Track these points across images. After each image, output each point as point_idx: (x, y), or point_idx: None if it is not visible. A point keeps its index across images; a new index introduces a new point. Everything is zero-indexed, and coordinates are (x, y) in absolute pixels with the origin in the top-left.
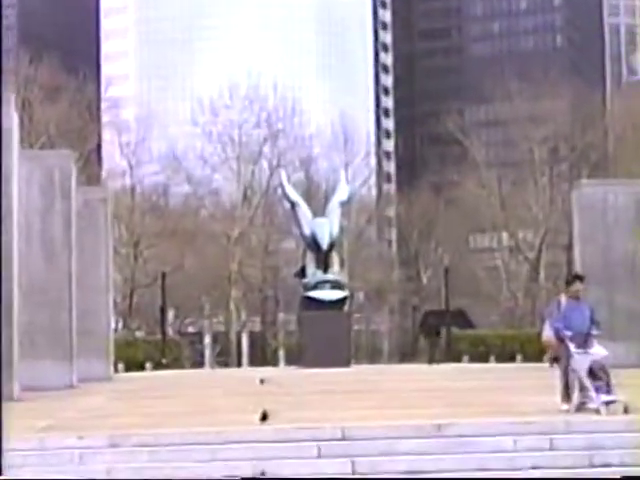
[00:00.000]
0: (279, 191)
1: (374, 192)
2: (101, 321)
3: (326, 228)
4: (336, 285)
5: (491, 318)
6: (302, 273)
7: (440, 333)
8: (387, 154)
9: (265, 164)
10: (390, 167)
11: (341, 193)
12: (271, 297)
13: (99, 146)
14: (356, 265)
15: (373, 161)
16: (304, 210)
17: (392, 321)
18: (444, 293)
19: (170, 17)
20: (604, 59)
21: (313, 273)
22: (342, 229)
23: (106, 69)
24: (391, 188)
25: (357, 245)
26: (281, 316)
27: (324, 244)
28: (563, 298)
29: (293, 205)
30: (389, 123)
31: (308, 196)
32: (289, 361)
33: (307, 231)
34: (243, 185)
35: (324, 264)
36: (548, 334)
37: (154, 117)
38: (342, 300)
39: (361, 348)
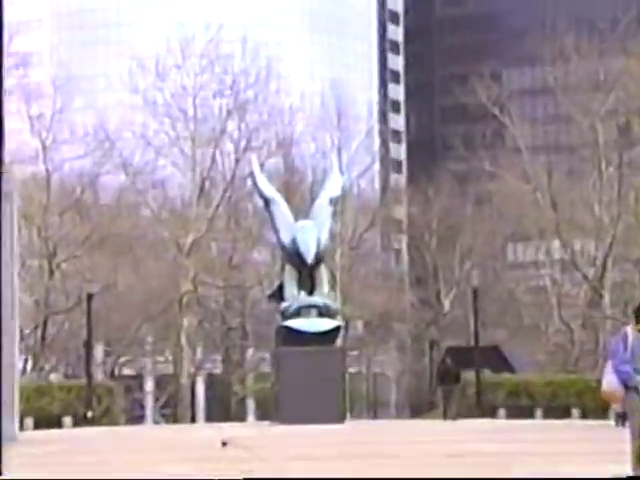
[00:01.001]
0: (248, 183)
1: (377, 185)
2: (1, 359)
3: (312, 234)
4: (325, 311)
5: (536, 357)
6: (279, 295)
7: (459, 378)
8: (396, 134)
9: (230, 147)
10: (399, 152)
11: (332, 187)
12: (237, 328)
13: (0, 119)
14: (353, 284)
15: (376, 143)
16: (282, 210)
17: (402, 361)
18: (472, 323)
19: None
20: None
21: (294, 295)
22: (333, 236)
23: (10, 13)
24: (400, 180)
25: (354, 257)
26: (250, 353)
27: (309, 256)
28: (630, 331)
29: (267, 203)
30: (398, 91)
31: (288, 191)
32: (261, 415)
33: (286, 238)
34: (199, 175)
35: (309, 283)
36: (611, 380)
37: (76, 81)
38: (333, 332)
39: (359, 398)
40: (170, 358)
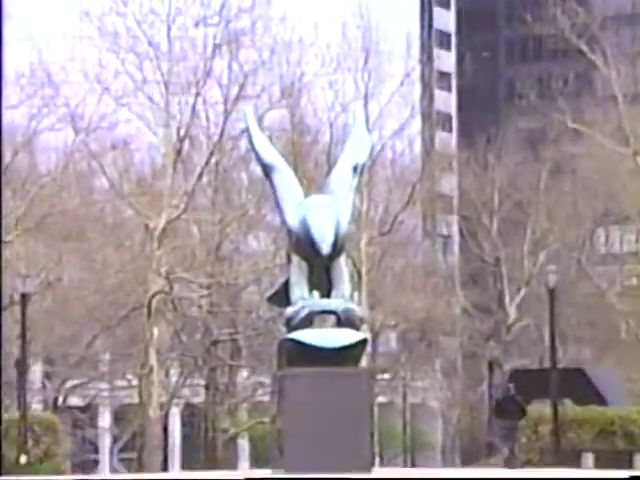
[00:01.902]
0: (242, 145)
1: (418, 148)
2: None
3: (328, 215)
4: (346, 320)
5: (637, 384)
6: (283, 297)
7: (525, 411)
8: (444, 78)
9: (217, 94)
10: (448, 102)
11: (357, 150)
12: (226, 341)
13: None
14: (384, 283)
15: (417, 90)
16: (288, 181)
17: (450, 388)
18: (547, 337)
19: None
20: None
21: (304, 297)
22: (358, 217)
23: None
24: (450, 141)
25: (386, 247)
26: (243, 376)
27: (325, 245)
28: None
29: (268, 171)
30: (447, 19)
31: (297, 155)
32: (257, 461)
33: (294, 220)
34: (175, 133)
35: (325, 281)
36: None
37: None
38: (357, 347)
39: (393, 438)
40: (134, 382)
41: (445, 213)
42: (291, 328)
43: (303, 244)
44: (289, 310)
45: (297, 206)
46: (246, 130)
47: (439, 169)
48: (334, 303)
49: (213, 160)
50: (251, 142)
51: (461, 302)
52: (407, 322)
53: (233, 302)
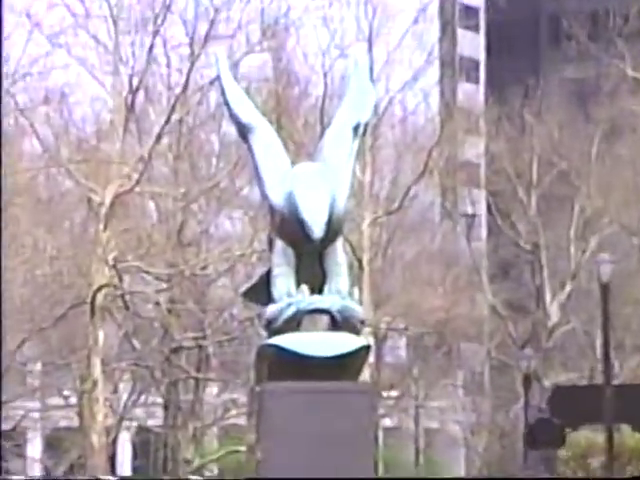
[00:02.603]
0: (212, 98)
1: (436, 104)
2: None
3: (321, 189)
4: (343, 321)
5: None
6: (263, 292)
7: (565, 439)
8: (469, 14)
9: (179, 33)
10: (475, 45)
11: (357, 105)
12: (190, 348)
13: None
14: (392, 275)
15: (434, 30)
16: (271, 144)
17: (476, 410)
18: (600, 344)
19: None
20: None
21: (290, 293)
22: (359, 191)
23: None
24: (477, 94)
25: (395, 229)
26: (212, 392)
27: (317, 228)
28: None
29: (245, 132)
30: None
31: (281, 111)
32: None
33: (277, 195)
34: (127, 82)
35: (316, 272)
36: None
37: None
38: (357, 356)
39: (403, 470)
40: (73, 400)
41: (470, 186)
42: (273, 332)
43: (289, 225)
44: (271, 309)
45: (282, 177)
46: (217, 80)
47: (462, 130)
48: (328, 300)
49: (175, 118)
50: (223, 95)
51: (489, 299)
52: (421, 324)
53: (200, 298)
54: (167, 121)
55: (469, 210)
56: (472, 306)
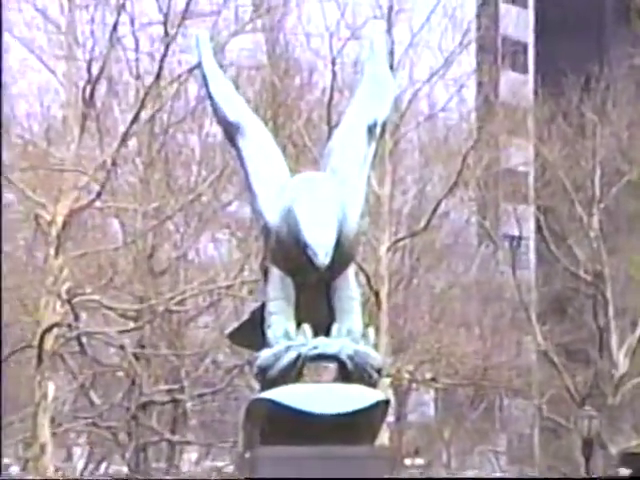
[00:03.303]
0: (191, 91)
1: (472, 98)
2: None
3: (328, 206)
4: (355, 370)
5: None
6: (256, 332)
7: None
8: None
9: (151, 9)
10: (522, 24)
11: (374, 100)
12: (162, 403)
13: None
14: (415, 313)
15: (470, 5)
16: (264, 149)
17: None
18: None
19: None
20: None
21: (288, 333)
22: (375, 207)
23: None
24: (524, 85)
25: (420, 254)
26: (192, 458)
27: (322, 253)
28: None
29: (232, 134)
30: None
31: (277, 107)
32: None
33: (273, 213)
34: (85, 69)
35: (321, 308)
36: None
37: None
38: (372, 415)
39: None
40: (15, 469)
41: (515, 201)
42: (267, 383)
43: (288, 249)
44: (264, 354)
45: (279, 189)
46: (198, 67)
47: (505, 131)
48: (336, 344)
49: (145, 115)
50: (206, 86)
51: (539, 343)
52: (453, 374)
53: (175, 341)
54: (135, 119)
55: (514, 231)
56: (517, 352)
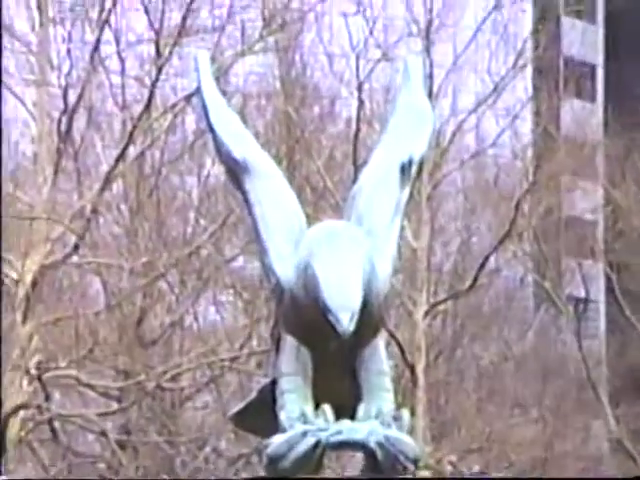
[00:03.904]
0: (188, 123)
1: (528, 132)
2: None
3: (352, 262)
4: (387, 460)
5: None
6: (265, 414)
7: None
8: None
9: (139, 24)
10: (590, 42)
11: (408, 134)
12: None
13: None
14: (459, 392)
15: (527, 19)
16: (276, 193)
17: None
18: None
19: None
20: None
21: (304, 415)
22: (411, 263)
23: None
24: (592, 116)
25: (464, 321)
26: None
27: (345, 317)
28: None
29: (237, 173)
30: None
31: (292, 143)
32: None
33: (287, 270)
34: (61, 96)
35: (345, 387)
36: None
37: None
38: None
39: None
40: None
41: (580, 256)
42: (279, 475)
43: (305, 314)
44: (276, 441)
45: (294, 242)
46: (197, 94)
47: (568, 171)
48: (364, 428)
49: (133, 151)
50: (206, 117)
51: (611, 428)
52: (506, 466)
53: (168, 424)
54: (121, 156)
55: (579, 292)
56: (585, 439)
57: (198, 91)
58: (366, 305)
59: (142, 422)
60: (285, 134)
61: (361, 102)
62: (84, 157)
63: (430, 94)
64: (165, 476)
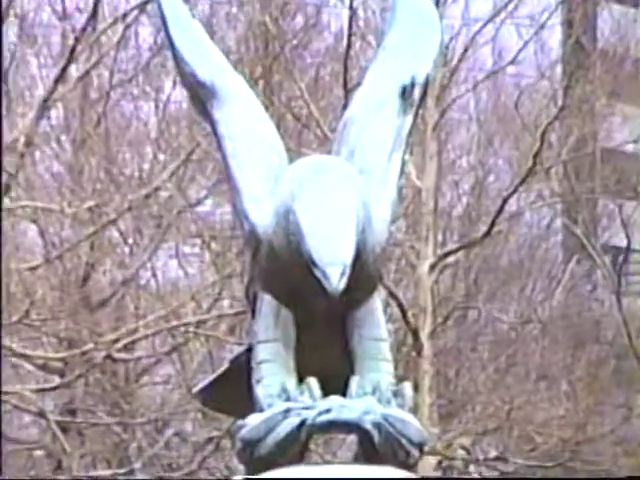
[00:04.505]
0: (144, 33)
1: (556, 50)
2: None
3: (343, 205)
4: (386, 444)
5: None
6: (239, 390)
7: None
8: None
9: None
10: None
11: (409, 50)
12: None
13: None
14: (472, 362)
15: None
16: (251, 120)
17: None
18: None
19: None
20: None
21: (285, 390)
22: (409, 208)
23: None
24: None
25: (475, 276)
26: None
27: (335, 272)
28: None
29: (205, 97)
30: None
31: (270, 63)
32: None
33: (264, 215)
34: None
35: (335, 354)
36: None
37: None
38: None
39: None
40: None
41: (620, 197)
42: (257, 464)
43: (286, 269)
44: (253, 422)
45: (273, 181)
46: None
47: (605, 93)
48: (357, 406)
49: (76, 71)
50: (165, 30)
51: None
52: (529, 451)
53: (121, 403)
54: (61, 77)
55: (619, 241)
56: (625, 418)
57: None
58: (360, 258)
59: (89, 400)
60: (261, 50)
61: (353, 11)
62: (15, 78)
63: (437, 0)
64: (117, 467)
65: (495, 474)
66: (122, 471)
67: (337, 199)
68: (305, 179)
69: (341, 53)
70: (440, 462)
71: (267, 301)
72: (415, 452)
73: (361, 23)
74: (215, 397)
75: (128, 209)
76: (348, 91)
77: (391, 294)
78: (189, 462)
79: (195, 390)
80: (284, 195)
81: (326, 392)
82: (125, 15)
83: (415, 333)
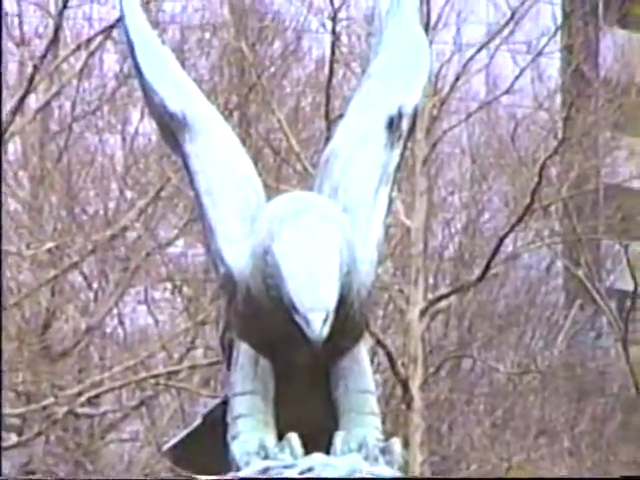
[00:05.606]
0: (109, 60)
1: (555, 77)
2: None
3: (326, 246)
4: None
5: None
6: (213, 447)
7: None
8: None
9: None
10: None
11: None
12: None
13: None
14: (466, 415)
15: None
16: (225, 153)
17: None
18: None
19: None
20: None
21: (264, 447)
22: (397, 249)
23: None
24: None
25: (469, 323)
26: None
27: (317, 318)
28: None
29: (176, 130)
30: None
31: (247, 91)
32: None
33: (239, 257)
34: None
35: (318, 408)
36: None
37: None
38: None
39: None
40: None
41: (626, 237)
42: None
43: (264, 315)
44: None
45: (249, 221)
46: (120, 26)
47: (609, 124)
48: (342, 464)
49: (35, 101)
50: (133, 57)
51: None
52: None
53: (84, 463)
54: (18, 108)
55: (625, 284)
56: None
57: (121, 22)
58: (344, 302)
59: (50, 460)
60: (237, 79)
61: (336, 36)
62: None
63: (426, 26)
64: None
65: None
66: None
67: (319, 239)
68: (285, 218)
69: (323, 82)
70: None
71: (244, 350)
72: None
73: (344, 49)
74: (187, 455)
75: (92, 251)
76: (330, 122)
77: (378, 342)
78: None
79: (165, 448)
80: (262, 235)
81: (308, 449)
82: (89, 41)
83: (405, 384)
